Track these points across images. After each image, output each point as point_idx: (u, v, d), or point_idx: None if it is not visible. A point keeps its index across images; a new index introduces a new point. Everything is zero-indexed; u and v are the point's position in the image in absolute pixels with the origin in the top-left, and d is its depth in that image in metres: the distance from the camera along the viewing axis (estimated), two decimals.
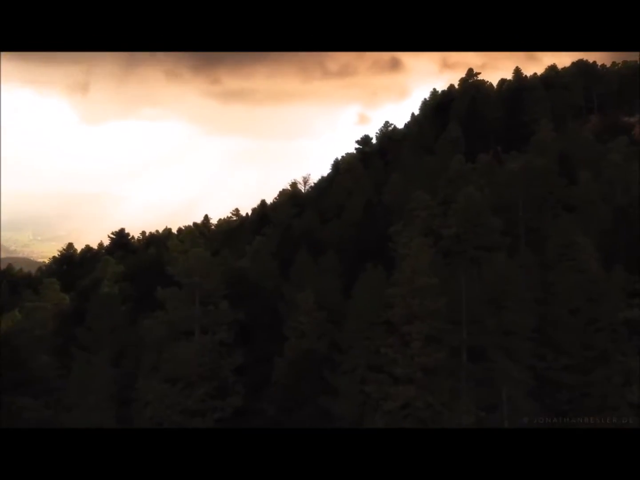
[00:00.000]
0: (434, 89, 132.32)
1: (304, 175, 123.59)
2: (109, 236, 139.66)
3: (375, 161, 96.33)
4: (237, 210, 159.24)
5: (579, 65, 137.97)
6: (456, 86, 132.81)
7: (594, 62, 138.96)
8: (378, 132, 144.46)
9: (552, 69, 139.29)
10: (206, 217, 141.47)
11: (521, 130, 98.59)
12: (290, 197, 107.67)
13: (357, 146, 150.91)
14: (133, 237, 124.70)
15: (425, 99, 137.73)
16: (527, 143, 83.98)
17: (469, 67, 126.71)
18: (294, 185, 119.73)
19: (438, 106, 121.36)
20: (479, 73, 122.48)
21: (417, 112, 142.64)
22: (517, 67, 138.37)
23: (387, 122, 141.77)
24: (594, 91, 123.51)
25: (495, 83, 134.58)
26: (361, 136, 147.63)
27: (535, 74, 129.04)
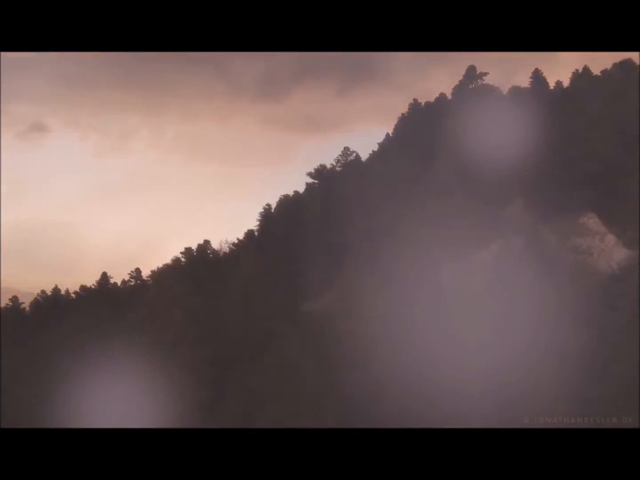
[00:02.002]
0: (415, 99, 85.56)
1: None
2: None
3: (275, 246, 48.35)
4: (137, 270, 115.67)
5: (625, 66, 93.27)
6: (449, 96, 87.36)
7: None
8: (334, 162, 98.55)
9: (585, 72, 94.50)
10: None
11: (570, 173, 53.11)
12: None
13: (311, 181, 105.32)
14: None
15: (402, 114, 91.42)
16: (590, 197, 39.61)
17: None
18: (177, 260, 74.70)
19: (419, 127, 74.74)
20: (487, 73, 76.64)
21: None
22: (536, 69, 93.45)
23: (347, 149, 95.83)
24: None
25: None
26: (317, 166, 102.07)
27: (584, 69, 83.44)
